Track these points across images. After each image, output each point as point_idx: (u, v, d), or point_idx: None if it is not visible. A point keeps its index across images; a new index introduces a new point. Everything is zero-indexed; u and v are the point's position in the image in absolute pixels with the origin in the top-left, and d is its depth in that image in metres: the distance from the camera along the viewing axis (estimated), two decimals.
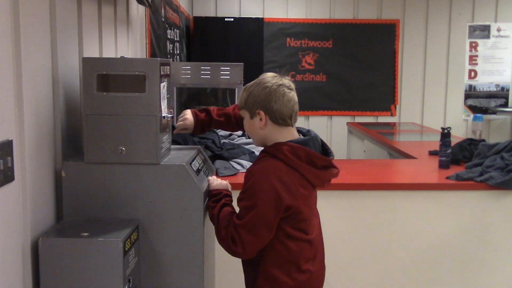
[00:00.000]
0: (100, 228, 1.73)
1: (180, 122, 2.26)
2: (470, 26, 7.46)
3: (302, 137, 1.92)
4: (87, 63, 1.85)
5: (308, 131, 1.97)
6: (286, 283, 1.86)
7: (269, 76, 1.89)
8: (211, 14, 7.19)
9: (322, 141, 1.96)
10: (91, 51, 2.31)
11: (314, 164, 1.84)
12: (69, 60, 2.03)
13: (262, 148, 1.94)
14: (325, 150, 1.95)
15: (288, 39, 7.28)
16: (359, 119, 7.24)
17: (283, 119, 1.86)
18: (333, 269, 2.94)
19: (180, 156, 2.03)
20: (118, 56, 2.48)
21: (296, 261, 1.88)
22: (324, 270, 2.05)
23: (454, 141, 3.46)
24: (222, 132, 3.30)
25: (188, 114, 2.26)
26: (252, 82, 1.92)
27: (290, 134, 1.89)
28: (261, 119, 1.87)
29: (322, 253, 2.04)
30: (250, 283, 1.96)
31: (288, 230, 1.85)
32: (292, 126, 1.91)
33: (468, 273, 2.97)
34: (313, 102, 7.29)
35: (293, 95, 1.89)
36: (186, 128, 2.27)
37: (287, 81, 1.89)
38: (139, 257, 1.86)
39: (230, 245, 1.81)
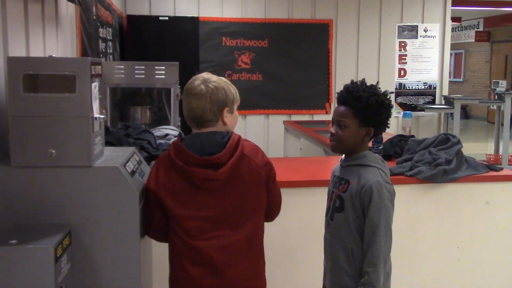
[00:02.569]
0: (29, 235, 1.66)
1: None
2: (399, 27, 7.75)
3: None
4: (13, 62, 1.77)
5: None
6: (175, 275, 1.99)
7: (193, 80, 1.98)
8: (145, 12, 7.07)
9: (222, 141, 1.92)
10: (17, 50, 2.22)
11: (185, 160, 1.89)
12: None
13: None
14: (217, 150, 1.91)
15: (224, 39, 7.28)
16: (295, 118, 7.35)
17: (188, 122, 2.01)
18: (270, 266, 2.97)
19: (114, 157, 1.98)
20: (46, 56, 2.39)
21: (179, 258, 1.96)
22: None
23: (385, 137, 3.58)
24: (158, 133, 3.25)
25: None
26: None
27: None
28: None
29: (224, 270, 1.94)
30: None
31: (172, 225, 1.97)
32: (198, 128, 1.97)
33: (399, 263, 3.08)
34: (249, 101, 7.33)
35: (195, 103, 1.93)
36: None
37: (197, 85, 1.94)
38: (72, 263, 1.80)
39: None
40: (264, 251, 2.11)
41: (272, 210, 2.13)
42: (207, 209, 1.93)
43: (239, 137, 1.98)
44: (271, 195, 2.06)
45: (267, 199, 2.04)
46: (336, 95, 2.13)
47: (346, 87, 2.10)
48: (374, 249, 1.97)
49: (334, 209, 2.12)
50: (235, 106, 2.04)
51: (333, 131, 2.10)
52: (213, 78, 1.99)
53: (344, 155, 2.20)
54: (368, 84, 2.11)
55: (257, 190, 1.98)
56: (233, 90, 2.01)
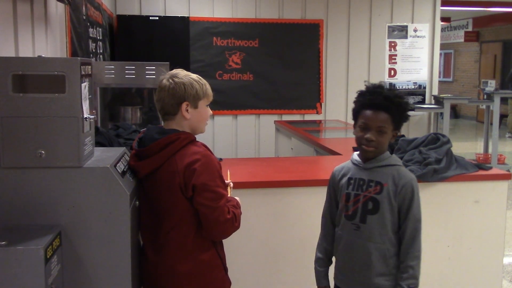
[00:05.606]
0: (19, 236, 1.65)
1: None
2: (389, 27, 7.78)
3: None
4: (2, 62, 1.76)
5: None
6: None
7: (163, 75, 2.09)
8: (135, 12, 7.04)
9: (155, 137, 2.02)
10: (6, 50, 2.21)
11: (134, 155, 2.07)
12: None
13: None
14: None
15: (214, 38, 7.27)
16: (286, 118, 7.36)
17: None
18: (261, 265, 2.97)
19: (104, 158, 1.97)
20: (36, 56, 2.38)
21: None
22: (154, 270, 2.07)
23: None
24: None
25: None
26: None
27: None
28: None
29: (145, 252, 2.09)
30: None
31: None
32: (163, 120, 2.11)
33: None
34: (240, 101, 7.33)
35: (157, 95, 2.07)
36: None
37: (162, 79, 2.07)
38: (63, 264, 1.79)
39: None
40: (200, 251, 2.06)
41: (204, 224, 2.01)
42: (142, 197, 2.09)
43: (183, 139, 2.00)
44: (196, 204, 1.98)
45: (190, 207, 2.00)
46: (364, 99, 2.10)
47: (383, 94, 2.09)
48: (416, 243, 2.05)
49: (367, 212, 2.10)
50: (201, 103, 2.09)
51: (373, 138, 2.08)
52: (181, 74, 2.08)
53: (357, 157, 2.19)
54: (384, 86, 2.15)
55: (170, 193, 1.99)
56: (197, 86, 2.06)
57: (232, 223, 2.03)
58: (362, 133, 2.11)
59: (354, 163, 2.21)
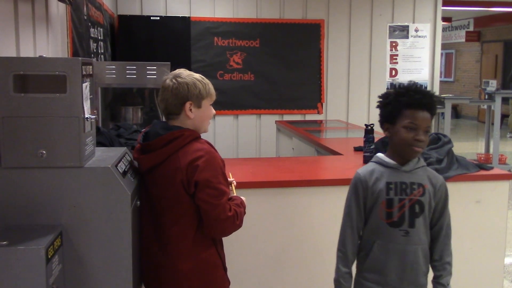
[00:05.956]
0: (20, 236, 1.65)
1: None
2: (390, 27, 7.77)
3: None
4: (2, 62, 1.76)
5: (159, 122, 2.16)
6: None
7: (167, 75, 2.12)
8: (136, 12, 7.04)
9: (160, 132, 2.04)
10: (7, 50, 2.21)
11: (139, 148, 2.09)
12: None
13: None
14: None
15: (215, 38, 7.27)
16: (287, 117, 7.36)
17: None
18: (261, 265, 2.97)
19: (105, 158, 1.97)
20: (37, 56, 2.38)
21: None
22: (147, 265, 2.10)
23: (377, 137, 3.59)
24: None
25: None
26: None
27: None
28: None
29: (146, 249, 2.11)
30: None
31: None
32: (167, 120, 2.11)
33: None
34: (241, 101, 7.33)
35: (161, 95, 2.09)
36: None
37: (165, 80, 2.08)
38: (64, 264, 1.79)
39: None
40: (198, 251, 2.06)
41: (205, 221, 2.02)
42: (143, 194, 2.09)
43: (186, 136, 2.01)
44: (198, 200, 1.99)
45: (192, 204, 2.00)
46: (410, 99, 2.03)
47: (429, 93, 2.07)
48: (450, 240, 2.12)
49: (414, 215, 2.07)
50: (205, 102, 2.11)
51: (424, 139, 2.04)
52: (184, 74, 2.09)
53: (389, 159, 2.13)
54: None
55: (172, 190, 2.00)
56: (200, 86, 2.07)
57: (233, 221, 2.03)
58: (410, 134, 2.03)
59: (387, 166, 2.11)
